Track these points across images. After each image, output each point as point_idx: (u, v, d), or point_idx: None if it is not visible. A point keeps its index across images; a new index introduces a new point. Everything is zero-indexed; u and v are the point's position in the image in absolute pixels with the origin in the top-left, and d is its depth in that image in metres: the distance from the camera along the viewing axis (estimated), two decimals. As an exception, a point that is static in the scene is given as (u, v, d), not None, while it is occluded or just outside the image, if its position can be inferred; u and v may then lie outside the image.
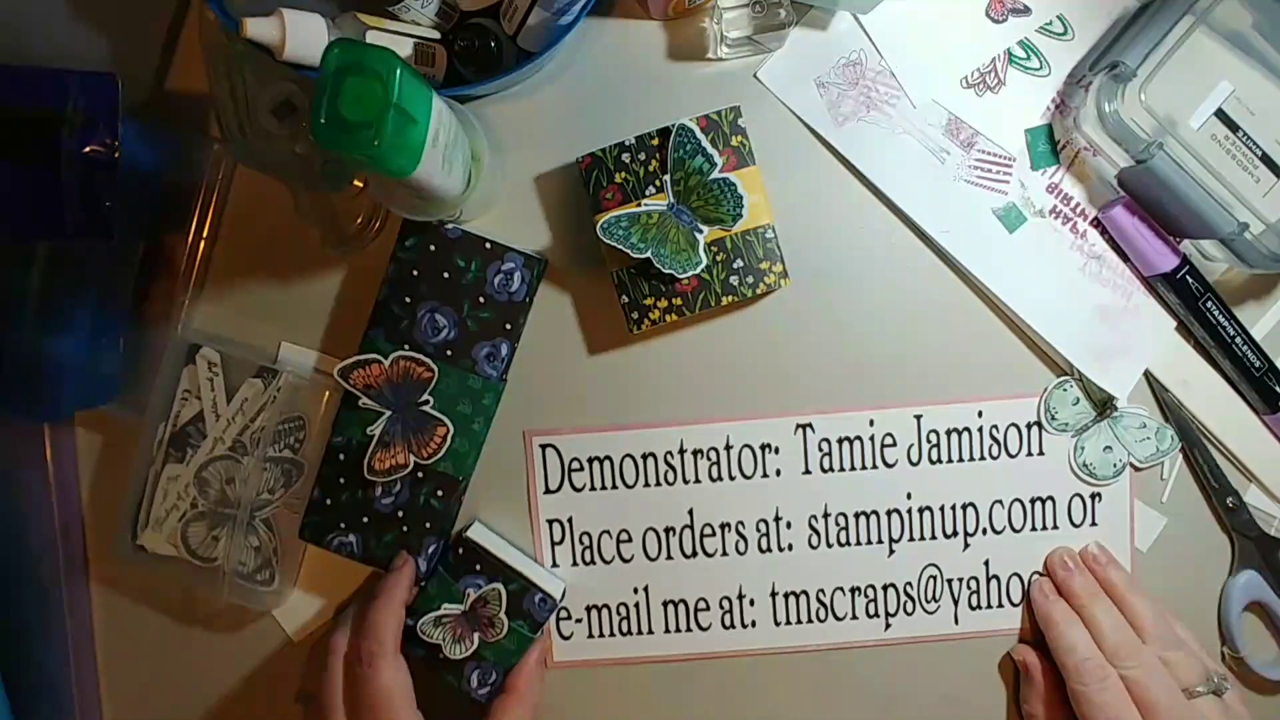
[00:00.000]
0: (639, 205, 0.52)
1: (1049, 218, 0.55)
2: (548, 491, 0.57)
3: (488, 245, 0.54)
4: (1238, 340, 0.54)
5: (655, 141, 0.52)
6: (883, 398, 0.56)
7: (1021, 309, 0.55)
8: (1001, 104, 0.55)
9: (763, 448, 0.57)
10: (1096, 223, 0.55)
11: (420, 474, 0.54)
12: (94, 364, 0.54)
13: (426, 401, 0.54)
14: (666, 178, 0.51)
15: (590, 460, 0.57)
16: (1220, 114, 0.52)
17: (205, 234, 0.56)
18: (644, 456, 0.57)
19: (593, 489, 0.57)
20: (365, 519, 0.54)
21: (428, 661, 0.54)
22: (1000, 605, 0.57)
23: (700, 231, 0.51)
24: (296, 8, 0.46)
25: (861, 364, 0.56)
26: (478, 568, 0.54)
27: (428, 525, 0.54)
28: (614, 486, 0.57)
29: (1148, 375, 0.56)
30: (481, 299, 0.54)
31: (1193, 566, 0.57)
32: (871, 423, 0.56)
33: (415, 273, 0.54)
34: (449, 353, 0.54)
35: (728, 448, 0.57)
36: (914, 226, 0.55)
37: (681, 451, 0.57)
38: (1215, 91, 0.52)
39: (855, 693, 0.58)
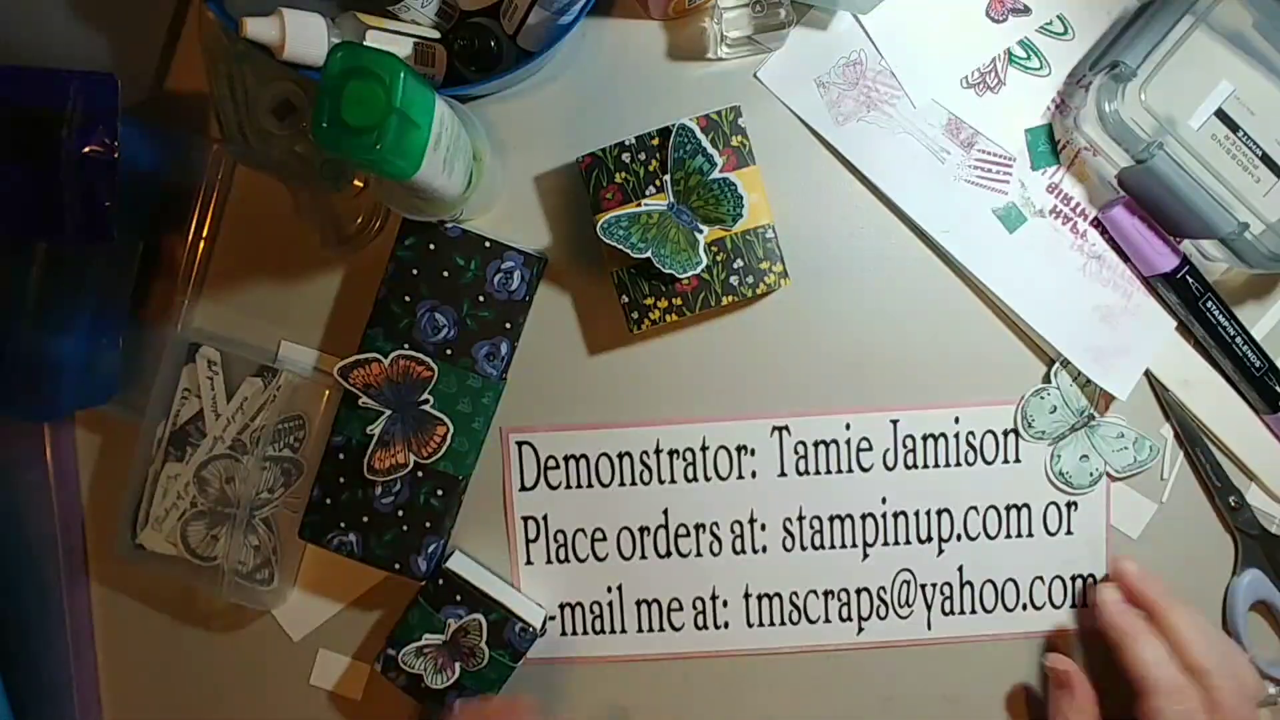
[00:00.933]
0: (639, 205, 0.52)
1: (1049, 218, 0.55)
2: (523, 489, 0.57)
3: (487, 244, 0.54)
4: (1238, 340, 0.54)
5: (655, 141, 0.52)
6: (860, 402, 0.56)
7: (1022, 309, 0.55)
8: (1001, 104, 0.55)
9: (739, 449, 0.57)
10: (1096, 223, 0.55)
11: (420, 473, 0.54)
12: (93, 364, 0.54)
13: (426, 400, 0.54)
14: (666, 178, 0.51)
15: (566, 458, 0.57)
16: (1220, 114, 0.52)
17: (205, 234, 0.56)
18: (620, 456, 0.57)
19: (568, 487, 0.57)
20: (365, 518, 0.54)
21: (409, 691, 0.54)
22: (974, 611, 0.57)
23: (700, 231, 0.51)
24: (296, 8, 0.46)
25: (840, 367, 0.56)
26: (458, 598, 0.54)
27: (428, 525, 0.54)
28: (590, 485, 0.57)
29: (1148, 375, 0.56)
30: (481, 298, 0.54)
31: (1195, 565, 0.57)
32: (848, 426, 0.56)
33: (415, 272, 0.54)
34: (449, 352, 0.54)
35: (704, 449, 0.57)
36: (914, 226, 0.55)
37: (658, 451, 0.57)
38: (1215, 91, 0.52)
39: (826, 696, 0.57)
